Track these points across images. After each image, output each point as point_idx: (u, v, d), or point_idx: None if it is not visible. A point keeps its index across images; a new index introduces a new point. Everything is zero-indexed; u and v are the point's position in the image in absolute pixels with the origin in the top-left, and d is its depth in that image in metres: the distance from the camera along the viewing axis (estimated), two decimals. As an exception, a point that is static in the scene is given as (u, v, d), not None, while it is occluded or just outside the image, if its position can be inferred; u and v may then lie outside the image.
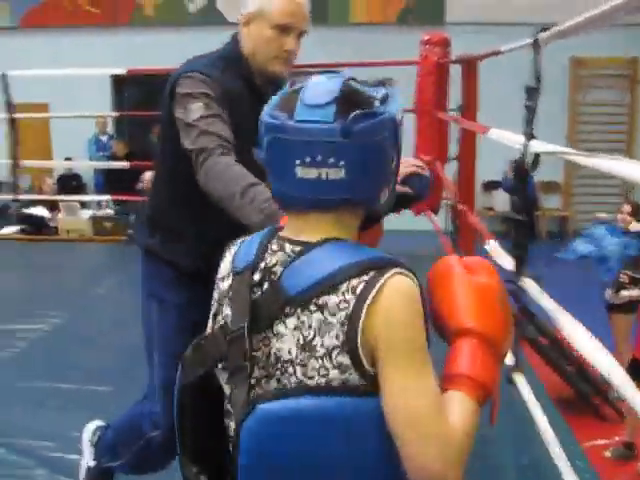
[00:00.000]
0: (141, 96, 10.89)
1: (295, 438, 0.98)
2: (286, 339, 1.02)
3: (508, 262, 2.31)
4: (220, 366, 1.09)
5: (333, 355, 0.98)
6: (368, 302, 0.98)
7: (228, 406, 1.09)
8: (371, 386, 0.99)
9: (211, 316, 1.16)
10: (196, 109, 1.86)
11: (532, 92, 2.10)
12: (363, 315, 0.98)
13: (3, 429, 2.89)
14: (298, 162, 1.02)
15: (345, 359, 0.98)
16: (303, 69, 6.38)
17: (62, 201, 7.43)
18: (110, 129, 9.96)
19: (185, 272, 2.01)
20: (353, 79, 1.07)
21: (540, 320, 3.35)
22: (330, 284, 0.99)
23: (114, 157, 8.71)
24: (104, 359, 3.69)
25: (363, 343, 0.98)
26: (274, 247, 1.09)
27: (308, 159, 1.01)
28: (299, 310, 1.01)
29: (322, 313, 1.00)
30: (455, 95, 5.02)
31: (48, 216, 7.08)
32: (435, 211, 5.41)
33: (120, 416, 2.29)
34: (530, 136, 2.10)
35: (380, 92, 1.06)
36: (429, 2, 9.84)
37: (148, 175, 7.33)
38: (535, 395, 2.50)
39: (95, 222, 6.98)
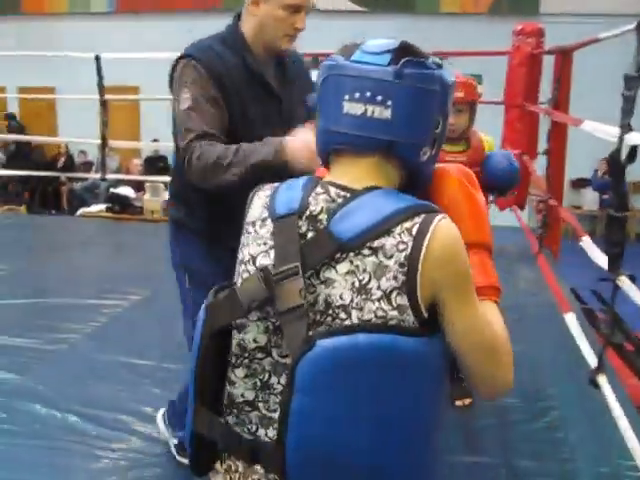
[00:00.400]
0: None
1: (351, 373, 0.99)
2: (337, 284, 1.03)
3: (602, 260, 2.20)
4: (252, 314, 1.09)
5: (392, 297, 1.01)
6: (426, 243, 1.00)
7: (238, 360, 1.12)
8: (420, 328, 1.02)
9: (239, 262, 1.16)
10: (184, 100, 1.94)
11: (632, 81, 1.98)
12: (422, 255, 1.00)
13: (82, 401, 2.95)
14: (347, 97, 1.06)
15: (404, 300, 1.01)
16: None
17: (147, 181, 7.59)
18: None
19: (211, 240, 2.10)
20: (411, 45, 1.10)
21: (626, 325, 3.22)
22: (384, 228, 1.02)
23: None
24: (180, 338, 3.73)
25: (422, 283, 1.01)
26: (319, 191, 1.10)
27: (357, 94, 1.05)
28: (352, 255, 1.02)
29: (377, 256, 1.01)
30: (545, 88, 4.86)
31: (133, 196, 7.25)
32: (522, 206, 5.25)
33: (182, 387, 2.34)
34: (628, 128, 1.99)
35: (435, 59, 1.10)
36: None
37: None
38: (619, 402, 2.39)
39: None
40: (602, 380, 2.23)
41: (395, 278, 1.00)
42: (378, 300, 1.01)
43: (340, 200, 1.08)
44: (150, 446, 2.64)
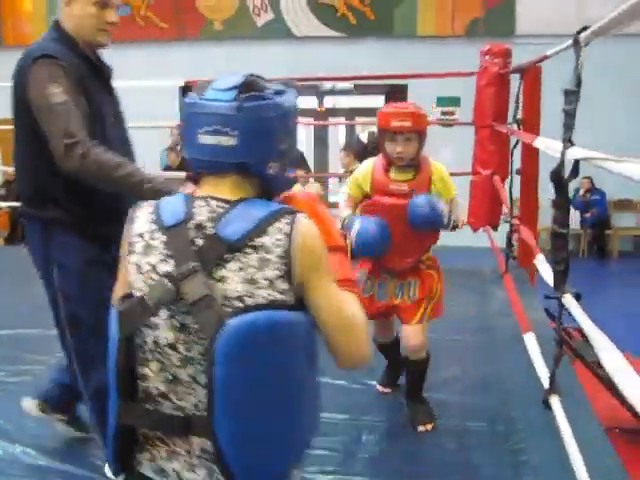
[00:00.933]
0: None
1: (255, 342, 1.22)
2: (230, 280, 1.25)
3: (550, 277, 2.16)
4: (162, 314, 1.28)
5: (276, 283, 1.26)
6: (294, 237, 1.27)
7: (144, 354, 1.31)
8: (297, 304, 1.29)
9: (136, 271, 1.32)
10: (57, 94, 2.04)
11: (571, 95, 1.96)
12: (293, 247, 1.27)
13: (44, 435, 2.88)
14: (201, 130, 1.30)
15: (285, 284, 1.26)
16: (368, 79, 6.38)
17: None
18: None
19: (85, 235, 2.23)
20: (258, 76, 1.35)
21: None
22: (262, 229, 1.27)
23: (169, 168, 8.79)
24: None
25: (295, 269, 1.27)
26: (200, 204, 1.32)
27: (209, 128, 1.30)
28: (238, 254, 1.26)
29: (259, 253, 1.26)
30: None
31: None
32: (494, 227, 5.22)
33: None
34: (569, 143, 1.96)
35: (278, 87, 1.36)
36: (499, 14, 9.64)
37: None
38: (581, 422, 2.34)
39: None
40: (554, 401, 2.17)
41: (277, 268, 1.26)
42: (265, 288, 1.25)
43: (221, 210, 1.30)
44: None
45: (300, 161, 9.69)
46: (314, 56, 9.71)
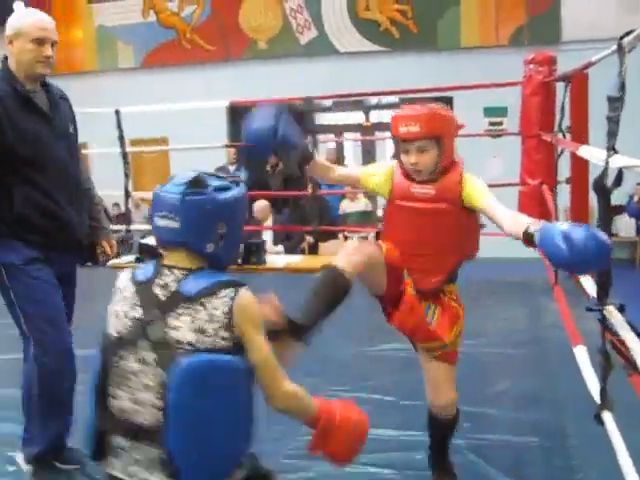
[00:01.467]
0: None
1: (201, 378, 1.59)
2: (182, 329, 1.62)
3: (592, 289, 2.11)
4: (132, 349, 1.66)
5: (219, 333, 1.63)
6: (237, 300, 1.65)
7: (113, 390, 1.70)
8: (236, 352, 1.65)
9: (114, 315, 1.72)
10: None
11: (615, 102, 1.92)
12: (235, 307, 1.65)
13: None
14: (157, 214, 1.70)
15: (226, 334, 1.64)
16: (413, 93, 6.36)
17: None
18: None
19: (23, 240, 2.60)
20: (212, 174, 1.75)
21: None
22: (213, 291, 1.66)
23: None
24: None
25: (235, 325, 1.64)
26: (165, 272, 1.72)
27: (162, 213, 1.70)
28: (191, 308, 1.64)
29: (208, 309, 1.64)
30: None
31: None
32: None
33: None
34: (613, 151, 1.91)
35: (222, 183, 1.73)
36: (543, 21, 9.52)
37: (260, 204, 7.45)
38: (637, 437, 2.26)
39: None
40: (606, 416, 2.11)
41: (221, 322, 1.63)
42: (211, 336, 1.62)
43: (182, 275, 1.69)
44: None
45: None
46: (358, 71, 9.73)
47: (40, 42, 2.55)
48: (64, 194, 2.66)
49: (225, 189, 1.71)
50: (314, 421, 1.77)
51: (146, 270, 1.73)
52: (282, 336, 2.01)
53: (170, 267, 1.70)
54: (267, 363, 1.70)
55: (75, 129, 2.83)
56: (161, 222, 1.68)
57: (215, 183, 1.72)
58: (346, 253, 2.28)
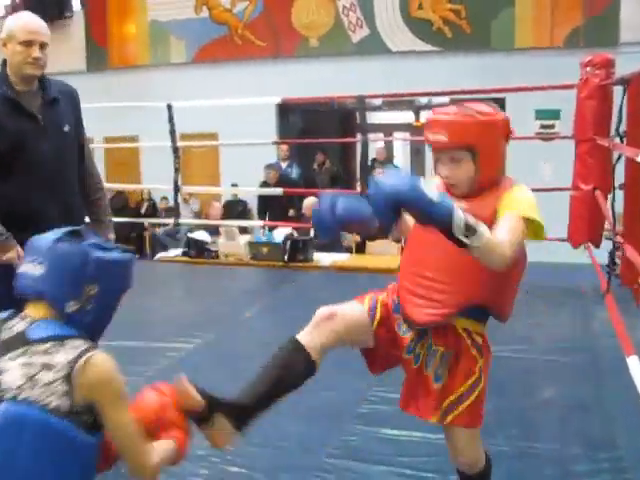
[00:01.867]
0: (304, 124, 11.20)
1: (12, 429, 1.44)
2: (11, 373, 1.48)
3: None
4: None
5: (53, 385, 1.46)
6: (83, 359, 1.50)
7: None
8: (74, 415, 1.49)
9: None
10: None
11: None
12: (78, 366, 1.49)
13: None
14: (25, 261, 1.61)
15: (63, 387, 1.47)
16: (464, 94, 6.31)
17: (222, 226, 7.71)
18: (276, 156, 10.03)
19: None
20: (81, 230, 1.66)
21: None
22: (60, 341, 1.51)
23: (265, 184, 8.82)
24: (239, 379, 3.72)
25: (77, 386, 1.48)
26: (19, 318, 1.60)
27: (30, 258, 1.60)
28: (30, 353, 1.50)
29: (48, 358, 1.49)
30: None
31: (209, 240, 7.35)
32: (596, 244, 5.03)
33: None
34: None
35: (108, 245, 1.66)
36: (601, 22, 9.30)
37: (309, 201, 7.46)
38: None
39: (252, 247, 7.14)
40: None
41: (59, 373, 1.47)
42: (42, 387, 1.46)
43: (32, 323, 1.56)
44: None
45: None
46: (410, 70, 9.67)
47: (28, 44, 2.65)
48: (45, 190, 2.73)
49: (105, 250, 1.61)
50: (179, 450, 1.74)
51: (2, 315, 1.64)
52: (209, 419, 1.86)
53: (25, 316, 1.60)
54: (126, 439, 1.57)
55: (76, 125, 2.90)
56: (25, 267, 1.59)
57: (96, 241, 1.63)
58: (313, 323, 2.02)
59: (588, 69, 4.81)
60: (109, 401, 1.52)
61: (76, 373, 1.48)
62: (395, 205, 1.67)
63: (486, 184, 1.94)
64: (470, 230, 1.67)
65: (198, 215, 10.61)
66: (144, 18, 11.31)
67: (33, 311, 1.59)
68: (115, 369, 1.54)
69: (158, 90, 10.00)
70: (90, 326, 1.61)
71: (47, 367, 1.47)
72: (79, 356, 1.49)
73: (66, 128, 2.84)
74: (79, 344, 1.52)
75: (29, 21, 2.72)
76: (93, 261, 1.57)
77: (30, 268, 1.58)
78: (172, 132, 6.30)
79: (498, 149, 1.98)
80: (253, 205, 10.11)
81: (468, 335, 2.00)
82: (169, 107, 6.27)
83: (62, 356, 1.49)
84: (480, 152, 1.91)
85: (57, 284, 1.56)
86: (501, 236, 1.77)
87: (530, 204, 1.90)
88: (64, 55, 10.57)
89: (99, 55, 11.55)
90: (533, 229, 1.90)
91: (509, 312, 2.06)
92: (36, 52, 2.67)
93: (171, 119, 6.28)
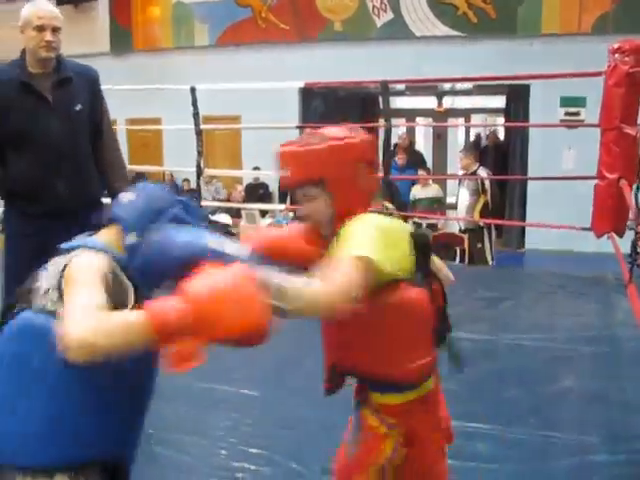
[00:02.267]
0: (327, 108, 11.16)
1: (30, 335, 1.48)
2: (40, 281, 1.53)
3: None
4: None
5: (49, 293, 1.50)
6: (71, 260, 1.51)
7: None
8: None
9: None
10: None
11: None
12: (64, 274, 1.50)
13: (161, 425, 2.99)
14: None
15: (55, 294, 1.49)
16: (488, 80, 6.23)
17: (244, 208, 7.73)
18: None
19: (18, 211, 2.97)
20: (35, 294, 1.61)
21: None
22: (72, 250, 1.55)
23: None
24: (261, 364, 3.75)
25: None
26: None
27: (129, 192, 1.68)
28: (52, 262, 1.56)
29: (55, 265, 1.54)
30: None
31: (230, 223, 7.39)
32: (619, 233, 4.98)
33: None
34: None
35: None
36: (631, 8, 9.14)
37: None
38: None
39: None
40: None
41: (52, 280, 1.50)
42: (44, 294, 1.50)
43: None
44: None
45: (420, 162, 9.63)
46: (433, 56, 9.58)
47: (40, 29, 2.84)
48: (53, 167, 2.89)
49: (188, 224, 1.58)
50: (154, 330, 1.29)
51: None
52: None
53: (91, 235, 1.63)
54: (65, 311, 1.39)
55: (91, 104, 3.02)
56: (121, 196, 1.64)
57: (192, 220, 1.61)
58: None
59: (617, 56, 4.72)
60: (67, 284, 1.46)
61: (62, 280, 1.49)
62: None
63: (349, 217, 1.64)
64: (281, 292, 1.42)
65: (220, 199, 10.65)
66: (168, 1, 11.31)
67: (101, 233, 1.61)
68: (90, 264, 1.49)
69: (181, 73, 10.01)
70: (137, 271, 1.53)
71: (49, 276, 1.52)
72: (67, 263, 1.51)
73: (77, 107, 2.97)
74: (79, 251, 1.53)
75: (41, 7, 2.89)
76: (172, 212, 1.58)
77: (124, 197, 1.62)
78: (195, 115, 6.30)
79: (354, 177, 1.67)
80: (274, 188, 10.14)
81: (367, 406, 1.79)
82: (192, 90, 6.28)
83: (59, 264, 1.52)
84: (330, 183, 1.65)
85: (131, 211, 1.57)
86: (328, 283, 1.47)
87: (362, 239, 1.57)
88: (88, 37, 10.60)
89: (123, 38, 11.56)
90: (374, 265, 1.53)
91: (405, 368, 1.69)
92: (48, 36, 2.85)
93: (194, 102, 6.28)
